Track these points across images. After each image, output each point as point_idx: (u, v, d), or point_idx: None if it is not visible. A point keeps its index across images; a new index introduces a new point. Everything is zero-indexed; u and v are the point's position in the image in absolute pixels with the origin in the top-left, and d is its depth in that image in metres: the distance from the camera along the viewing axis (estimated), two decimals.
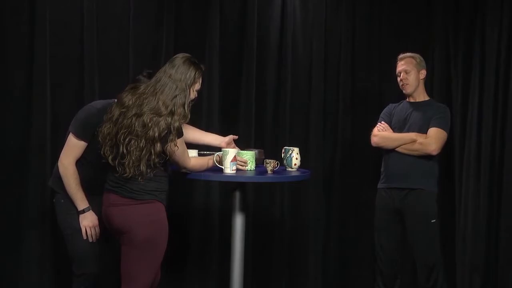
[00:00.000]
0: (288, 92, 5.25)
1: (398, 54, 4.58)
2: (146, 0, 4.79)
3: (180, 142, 3.28)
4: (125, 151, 3.18)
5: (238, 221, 3.80)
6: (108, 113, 3.28)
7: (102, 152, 3.26)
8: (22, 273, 4.44)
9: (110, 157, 3.23)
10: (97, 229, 3.69)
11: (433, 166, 4.43)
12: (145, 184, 3.27)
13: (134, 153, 3.16)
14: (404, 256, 4.70)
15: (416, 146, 4.35)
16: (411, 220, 4.40)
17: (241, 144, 4.49)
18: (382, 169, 4.58)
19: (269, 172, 3.73)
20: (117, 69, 4.63)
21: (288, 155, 3.92)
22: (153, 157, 3.18)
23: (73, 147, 3.58)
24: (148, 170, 3.22)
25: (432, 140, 4.32)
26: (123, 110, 3.23)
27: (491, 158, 4.87)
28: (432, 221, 4.37)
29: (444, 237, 4.63)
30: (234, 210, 3.81)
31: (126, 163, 3.19)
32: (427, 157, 4.35)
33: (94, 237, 3.69)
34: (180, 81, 3.27)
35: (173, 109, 3.21)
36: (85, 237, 3.66)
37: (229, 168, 3.57)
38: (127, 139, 3.17)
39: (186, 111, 3.28)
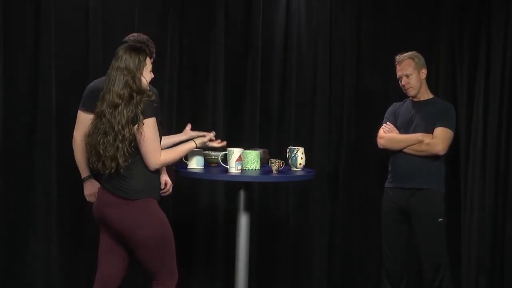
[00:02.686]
0: (293, 92, 5.25)
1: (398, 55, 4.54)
2: (150, 2, 4.82)
3: (148, 125, 3.25)
4: (101, 151, 3.24)
5: (243, 221, 3.80)
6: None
7: (90, 164, 3.38)
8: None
9: (100, 168, 3.31)
10: (92, 198, 3.83)
11: (440, 166, 4.40)
12: (136, 181, 3.30)
13: (109, 149, 3.22)
14: (411, 256, 4.65)
15: (423, 147, 4.31)
16: (418, 219, 4.37)
17: (246, 144, 4.53)
18: (389, 169, 4.56)
19: (274, 171, 3.71)
20: None
21: (293, 155, 3.90)
22: (126, 147, 3.21)
23: (81, 121, 3.77)
24: (127, 161, 3.24)
25: (438, 140, 4.29)
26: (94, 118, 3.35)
27: (497, 157, 4.87)
28: (439, 220, 4.34)
29: (449, 237, 4.57)
30: (239, 209, 3.81)
31: (106, 161, 3.24)
32: (434, 157, 4.32)
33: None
34: (126, 69, 3.28)
35: (129, 94, 3.24)
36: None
37: (234, 168, 3.57)
38: (100, 141, 3.24)
39: (146, 92, 3.30)
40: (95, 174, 3.74)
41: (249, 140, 4.98)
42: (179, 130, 4.84)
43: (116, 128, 3.20)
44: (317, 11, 5.30)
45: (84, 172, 3.88)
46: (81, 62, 4.57)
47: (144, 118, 3.22)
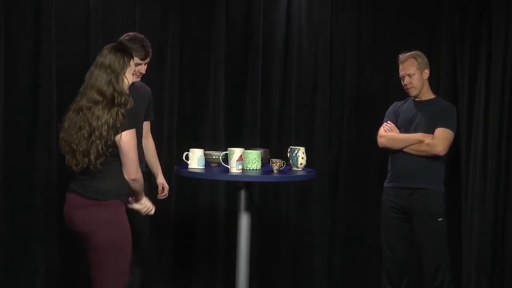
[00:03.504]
0: (294, 92, 5.24)
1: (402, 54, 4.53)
2: (151, 1, 4.82)
3: (128, 136, 3.19)
4: (75, 146, 3.17)
5: (244, 220, 3.81)
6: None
7: (66, 162, 3.27)
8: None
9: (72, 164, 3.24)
10: None
11: (440, 166, 4.38)
12: (107, 182, 3.23)
13: (82, 143, 3.15)
14: (411, 255, 4.65)
15: (423, 147, 4.29)
16: (418, 219, 4.36)
17: (247, 144, 4.58)
18: (389, 168, 4.54)
19: (275, 171, 3.71)
20: None
21: (294, 155, 3.90)
22: (101, 145, 3.13)
23: None
24: (100, 159, 3.16)
25: (439, 141, 4.27)
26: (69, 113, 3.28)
27: (497, 157, 4.87)
28: (439, 219, 4.32)
29: (450, 236, 4.58)
30: (240, 209, 3.81)
31: (78, 155, 3.17)
32: (434, 157, 4.30)
33: None
34: (110, 67, 3.23)
35: (111, 94, 3.19)
36: None
37: (235, 168, 3.57)
38: (74, 135, 3.17)
39: (126, 97, 3.23)
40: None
41: (249, 140, 4.99)
42: (180, 129, 4.87)
43: (93, 124, 3.14)
44: (317, 11, 5.29)
45: None
46: (81, 62, 4.55)
47: (124, 130, 3.17)
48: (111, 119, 3.14)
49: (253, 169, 3.64)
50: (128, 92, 3.31)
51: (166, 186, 4.26)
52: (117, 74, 3.24)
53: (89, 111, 3.16)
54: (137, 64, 3.78)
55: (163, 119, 4.80)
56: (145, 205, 3.44)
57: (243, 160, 3.62)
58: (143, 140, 4.09)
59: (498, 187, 4.87)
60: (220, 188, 4.99)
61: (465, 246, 5.00)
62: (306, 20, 5.27)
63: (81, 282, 4.57)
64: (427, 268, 4.39)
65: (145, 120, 4.10)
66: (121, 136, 3.15)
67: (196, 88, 4.99)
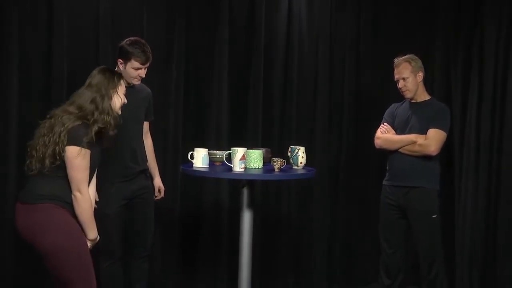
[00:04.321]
0: (294, 93, 5.26)
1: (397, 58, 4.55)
2: (158, 6, 4.81)
3: (75, 152, 3.08)
4: (34, 153, 3.12)
5: (246, 217, 3.81)
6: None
7: (25, 167, 3.19)
8: None
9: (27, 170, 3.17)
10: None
11: (434, 165, 4.42)
12: (42, 187, 3.12)
13: (41, 150, 3.09)
14: (407, 250, 4.69)
15: (416, 147, 4.34)
16: (413, 215, 4.40)
17: (249, 143, 4.53)
18: (387, 167, 4.59)
19: (276, 170, 3.73)
20: None
21: (294, 154, 3.92)
22: (57, 149, 3.05)
23: None
24: (55, 163, 3.07)
25: (431, 141, 4.31)
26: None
27: (490, 156, 4.85)
28: (433, 216, 4.36)
29: (444, 233, 4.60)
30: (242, 206, 3.81)
31: (34, 160, 3.12)
32: (427, 157, 4.34)
33: None
34: (97, 85, 3.22)
35: (90, 111, 3.16)
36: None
37: (237, 166, 3.58)
38: (37, 141, 3.14)
39: (107, 117, 3.19)
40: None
41: (252, 139, 4.99)
42: (185, 130, 4.82)
43: (55, 129, 3.09)
44: (317, 15, 5.30)
45: None
46: (91, 65, 4.36)
47: (77, 145, 3.07)
48: (71, 127, 3.07)
49: (255, 168, 3.65)
50: (119, 112, 3.28)
51: (162, 188, 4.30)
52: (103, 94, 3.20)
53: (58, 119, 3.12)
54: (137, 68, 3.84)
55: (169, 119, 4.79)
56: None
57: (246, 159, 3.62)
58: (145, 143, 4.15)
59: (489, 186, 4.85)
60: (223, 186, 4.98)
61: (458, 241, 5.01)
62: (306, 23, 5.28)
63: None
64: (422, 263, 4.43)
65: (145, 121, 4.14)
66: (70, 148, 3.06)
67: (200, 90, 4.99)
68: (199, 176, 4.09)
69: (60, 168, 3.11)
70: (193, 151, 3.83)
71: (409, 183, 4.38)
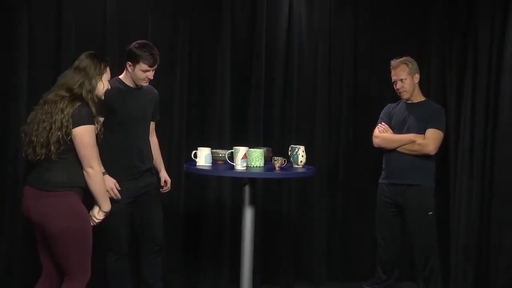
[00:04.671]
0: (295, 94, 5.28)
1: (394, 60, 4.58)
2: (162, 10, 4.83)
3: (86, 131, 3.19)
4: (34, 138, 3.18)
5: (248, 214, 3.81)
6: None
7: (23, 153, 3.27)
8: None
9: (25, 151, 3.25)
10: (115, 190, 3.79)
11: (430, 163, 4.46)
12: (57, 174, 3.20)
13: (43, 136, 3.15)
14: (403, 246, 4.73)
15: (415, 147, 4.38)
16: (409, 212, 4.44)
17: (251, 143, 4.60)
18: (383, 166, 4.62)
19: (277, 168, 3.75)
20: None
21: (294, 153, 3.92)
22: (61, 135, 3.13)
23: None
24: (61, 149, 3.15)
25: (430, 141, 4.36)
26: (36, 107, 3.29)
27: (483, 155, 4.85)
28: (429, 213, 4.41)
29: (439, 229, 4.65)
30: (244, 203, 3.81)
31: (37, 147, 3.17)
32: (425, 156, 4.39)
33: (116, 197, 3.80)
34: (85, 69, 3.27)
35: (80, 93, 3.22)
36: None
37: (239, 165, 3.59)
38: (35, 127, 3.19)
39: (95, 99, 3.27)
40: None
41: (253, 139, 5.01)
42: (189, 130, 4.81)
43: (55, 116, 3.14)
44: (316, 19, 5.33)
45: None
46: None
47: (82, 125, 3.16)
48: (72, 112, 3.14)
49: (256, 166, 3.65)
50: (102, 97, 3.35)
51: (168, 180, 4.30)
52: (90, 78, 3.25)
53: (54, 105, 3.17)
54: (145, 71, 3.86)
55: (173, 120, 4.80)
56: (93, 214, 3.35)
57: (248, 158, 3.63)
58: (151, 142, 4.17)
59: (483, 183, 4.85)
60: (226, 184, 5.00)
61: (453, 238, 5.03)
62: (306, 27, 5.31)
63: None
64: (417, 258, 4.47)
65: (152, 121, 4.17)
66: (77, 129, 3.14)
67: (204, 91, 5.00)
68: (202, 174, 4.06)
69: (66, 151, 3.19)
70: (197, 150, 3.83)
71: (406, 181, 4.42)
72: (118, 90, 3.88)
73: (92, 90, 3.27)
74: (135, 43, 3.92)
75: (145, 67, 3.86)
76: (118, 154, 3.86)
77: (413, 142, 4.39)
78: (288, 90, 5.27)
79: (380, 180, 4.64)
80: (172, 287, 4.65)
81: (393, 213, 4.56)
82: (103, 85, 3.35)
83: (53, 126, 3.14)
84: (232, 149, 3.70)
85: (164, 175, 4.31)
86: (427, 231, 4.44)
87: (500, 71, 4.73)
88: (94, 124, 3.24)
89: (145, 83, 3.97)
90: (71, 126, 3.14)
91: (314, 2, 5.35)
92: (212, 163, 3.83)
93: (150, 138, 4.15)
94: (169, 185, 4.33)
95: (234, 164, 3.63)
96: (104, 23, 4.59)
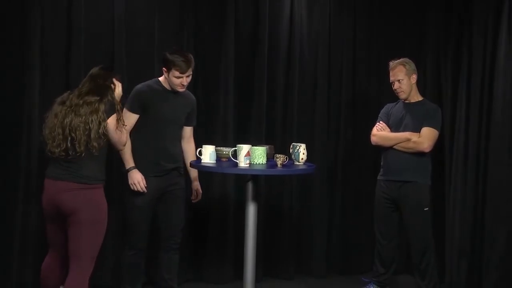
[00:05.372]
0: (296, 94, 5.30)
1: (392, 61, 4.59)
2: (168, 12, 4.85)
3: (110, 120, 3.52)
4: (73, 135, 3.45)
5: (251, 209, 3.82)
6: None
7: (49, 148, 3.50)
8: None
9: (57, 150, 3.48)
10: (142, 184, 3.91)
11: (426, 161, 4.49)
12: (91, 169, 3.50)
13: (80, 135, 3.44)
14: (400, 241, 4.76)
15: (410, 144, 4.41)
16: (406, 208, 4.48)
17: (254, 141, 4.60)
18: (381, 163, 4.65)
19: (278, 165, 3.76)
20: (144, 72, 4.64)
21: (295, 151, 3.92)
22: (101, 129, 3.46)
23: (126, 119, 3.79)
24: (99, 142, 3.48)
25: (424, 139, 4.39)
26: (62, 107, 3.56)
27: (477, 153, 4.84)
28: (425, 209, 4.44)
29: (434, 224, 4.67)
30: (247, 199, 3.82)
31: (77, 144, 3.44)
32: (421, 153, 4.41)
33: (142, 188, 3.91)
34: (99, 76, 3.60)
35: (102, 93, 3.53)
36: (134, 190, 3.93)
37: (243, 162, 3.61)
38: (73, 124, 3.46)
39: (115, 97, 3.61)
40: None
41: (256, 137, 5.03)
42: (194, 128, 4.67)
43: (93, 117, 3.45)
44: (317, 22, 5.36)
45: (127, 163, 3.94)
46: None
47: (109, 116, 3.50)
48: (105, 109, 3.47)
49: (259, 164, 3.66)
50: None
51: (200, 192, 4.32)
52: (106, 80, 3.61)
53: (86, 107, 3.48)
54: (178, 77, 3.89)
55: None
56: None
57: (250, 156, 3.63)
58: (185, 144, 4.21)
59: (477, 180, 4.83)
60: (229, 180, 5.02)
61: (448, 233, 5.04)
62: (306, 29, 5.33)
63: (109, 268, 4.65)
64: (414, 253, 4.50)
65: (187, 126, 4.20)
66: (109, 120, 3.49)
67: (208, 91, 5.01)
68: (206, 171, 4.10)
69: (104, 147, 3.55)
70: (201, 148, 3.85)
71: (402, 178, 4.45)
72: (155, 92, 3.96)
73: (111, 91, 3.63)
74: (173, 49, 3.97)
75: (177, 73, 3.89)
76: (146, 151, 3.95)
77: (408, 140, 4.42)
78: (289, 90, 5.30)
79: (378, 177, 4.67)
80: (178, 279, 4.64)
81: (391, 209, 4.59)
82: (118, 92, 3.69)
83: (91, 126, 3.44)
84: (235, 147, 3.72)
85: (196, 186, 4.32)
86: (422, 226, 4.46)
87: (493, 73, 4.74)
88: (121, 110, 3.63)
89: (180, 89, 3.99)
90: (105, 120, 3.47)
91: (314, 5, 5.36)
92: (216, 160, 3.85)
93: (186, 143, 4.21)
94: (199, 197, 4.35)
95: (238, 161, 3.65)
96: (112, 24, 4.62)
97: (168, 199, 4.11)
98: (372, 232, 4.84)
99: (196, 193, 4.34)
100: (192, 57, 3.96)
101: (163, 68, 3.96)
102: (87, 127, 3.44)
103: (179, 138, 4.16)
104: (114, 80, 3.64)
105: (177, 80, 3.92)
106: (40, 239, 4.16)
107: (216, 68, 5.05)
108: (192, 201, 4.36)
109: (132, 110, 3.95)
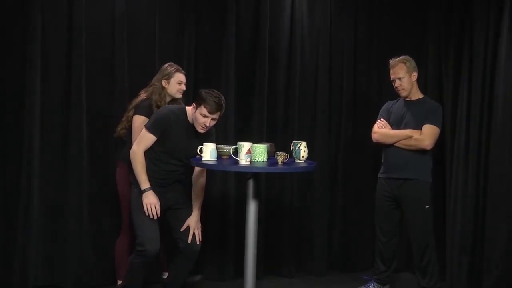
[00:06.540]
0: (297, 92, 5.27)
1: (392, 59, 4.56)
2: (169, 12, 4.85)
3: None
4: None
5: (252, 207, 3.80)
6: None
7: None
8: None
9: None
10: (157, 207, 3.89)
11: (427, 159, 4.46)
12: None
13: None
14: (401, 238, 4.74)
15: (412, 142, 4.38)
16: (407, 206, 4.45)
17: (255, 138, 4.58)
18: (382, 161, 4.62)
19: (279, 163, 3.75)
20: (145, 71, 4.65)
21: (296, 148, 3.91)
22: None
23: (144, 138, 3.91)
24: None
25: (426, 136, 4.35)
26: None
27: (478, 150, 4.84)
28: (426, 207, 4.40)
29: (436, 222, 4.65)
30: (248, 197, 3.81)
31: None
32: (422, 151, 4.38)
33: (153, 214, 3.88)
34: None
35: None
36: (146, 214, 3.88)
37: (244, 160, 3.59)
38: None
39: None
40: None
41: (257, 135, 5.02)
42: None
43: None
44: (317, 20, 5.32)
45: (144, 184, 3.90)
46: (108, 64, 4.63)
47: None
48: None
49: (260, 161, 3.63)
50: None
51: (193, 227, 4.09)
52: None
53: None
54: (204, 116, 3.81)
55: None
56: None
57: (251, 153, 3.62)
58: (196, 175, 4.14)
59: (478, 178, 4.82)
60: (230, 178, 5.02)
61: (449, 231, 5.02)
62: (307, 28, 5.30)
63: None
64: (415, 250, 4.47)
65: None
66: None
67: (209, 88, 5.00)
68: (208, 169, 4.07)
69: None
70: (202, 145, 3.83)
71: (403, 176, 4.42)
72: (178, 120, 3.94)
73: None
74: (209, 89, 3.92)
75: (205, 111, 3.82)
76: (153, 166, 3.97)
77: (410, 137, 4.39)
78: (290, 89, 5.28)
79: (379, 175, 4.64)
80: None
81: (392, 207, 4.56)
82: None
83: None
84: (236, 145, 3.70)
85: (192, 220, 4.12)
86: (424, 224, 4.44)
87: (494, 71, 4.71)
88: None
89: (201, 130, 3.92)
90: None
91: (315, 4, 5.34)
92: (217, 158, 3.84)
93: (198, 178, 4.16)
94: (191, 235, 4.10)
95: (239, 159, 3.63)
96: (112, 23, 4.62)
97: (171, 214, 4.14)
98: (373, 230, 4.82)
99: (188, 226, 4.12)
100: (224, 103, 3.90)
101: (193, 103, 3.92)
102: None
103: (181, 169, 4.12)
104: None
105: (202, 119, 3.84)
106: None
107: (217, 67, 5.03)
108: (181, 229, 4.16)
109: (155, 133, 3.92)
